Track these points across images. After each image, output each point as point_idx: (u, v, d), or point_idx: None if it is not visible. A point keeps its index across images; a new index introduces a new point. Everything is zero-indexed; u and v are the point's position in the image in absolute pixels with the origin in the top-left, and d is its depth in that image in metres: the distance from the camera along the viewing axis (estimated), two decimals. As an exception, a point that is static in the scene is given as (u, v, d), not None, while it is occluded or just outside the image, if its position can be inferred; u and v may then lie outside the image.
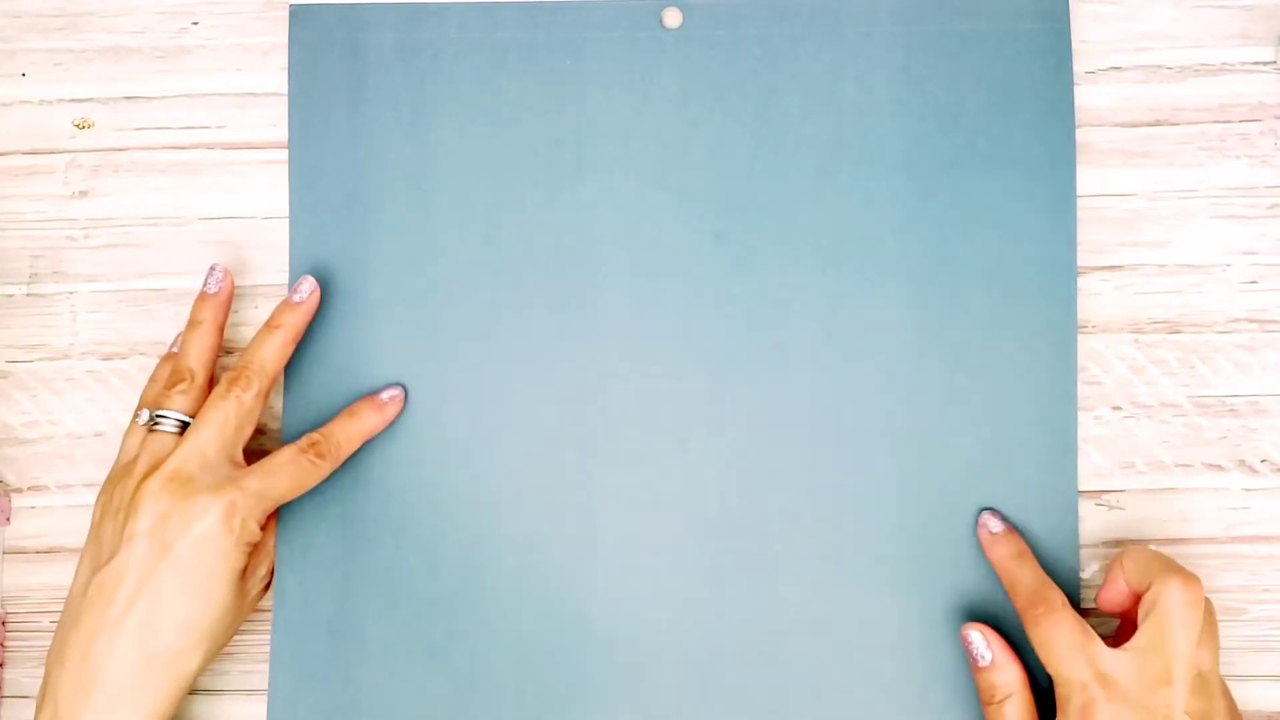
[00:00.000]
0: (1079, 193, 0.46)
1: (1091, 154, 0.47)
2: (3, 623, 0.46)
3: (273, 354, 0.43)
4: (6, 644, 0.46)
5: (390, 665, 0.44)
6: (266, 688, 0.44)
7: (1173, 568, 0.39)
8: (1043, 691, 0.41)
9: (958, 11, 0.46)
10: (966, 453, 0.44)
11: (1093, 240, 0.46)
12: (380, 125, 0.47)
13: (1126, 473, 0.45)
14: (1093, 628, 0.39)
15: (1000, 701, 0.40)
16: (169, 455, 0.41)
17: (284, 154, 0.47)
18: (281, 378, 0.45)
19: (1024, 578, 0.41)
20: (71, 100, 0.48)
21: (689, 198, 0.46)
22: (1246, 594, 0.45)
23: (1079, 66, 0.47)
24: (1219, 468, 0.45)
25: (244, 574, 0.42)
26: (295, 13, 0.47)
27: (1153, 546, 0.45)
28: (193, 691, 0.45)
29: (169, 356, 0.45)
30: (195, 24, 0.49)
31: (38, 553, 0.46)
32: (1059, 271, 0.45)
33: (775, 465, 0.44)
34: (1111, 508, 0.45)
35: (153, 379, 0.45)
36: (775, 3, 0.47)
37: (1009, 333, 0.45)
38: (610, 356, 0.45)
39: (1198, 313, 0.46)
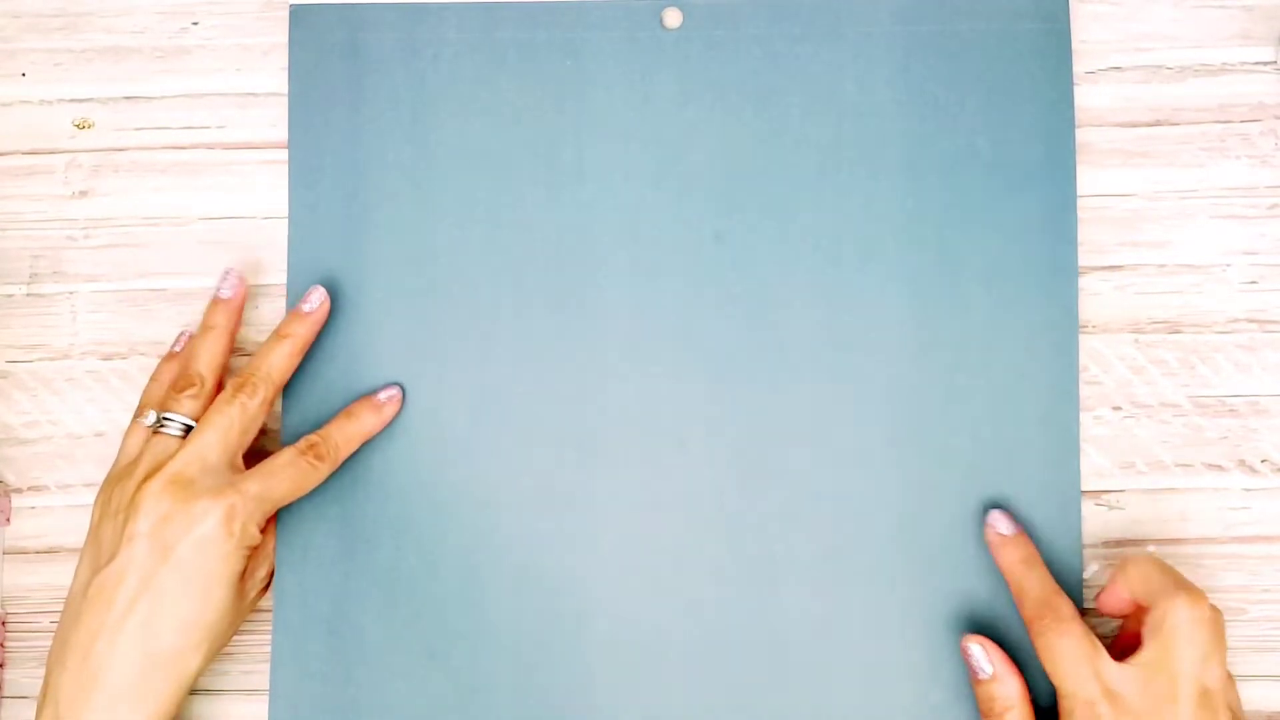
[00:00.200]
0: (1079, 193, 0.46)
1: (1091, 154, 0.47)
2: (3, 623, 0.46)
3: (280, 363, 0.43)
4: (6, 644, 0.46)
5: (390, 665, 0.44)
6: (267, 688, 0.44)
7: (1180, 584, 0.38)
8: (1043, 703, 0.41)
9: (958, 11, 0.46)
10: (967, 453, 0.44)
11: (1093, 240, 0.46)
12: (380, 125, 0.47)
13: (1126, 473, 0.45)
14: (1093, 628, 0.39)
15: (1000, 714, 0.40)
16: (171, 458, 0.41)
17: (284, 154, 0.47)
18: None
19: (1032, 584, 0.40)
20: (71, 100, 0.48)
21: (689, 198, 0.46)
22: (1246, 594, 0.45)
23: (1079, 66, 0.47)
24: (1219, 468, 0.45)
25: (243, 576, 0.42)
26: (295, 13, 0.47)
27: (1152, 548, 0.45)
28: (193, 691, 0.45)
29: (171, 356, 0.45)
30: (195, 24, 0.49)
31: (38, 553, 0.46)
32: (1060, 271, 0.45)
33: (775, 465, 0.44)
34: (1111, 508, 0.45)
35: (154, 379, 0.45)
36: (775, 3, 0.47)
37: (1010, 332, 0.45)
38: (610, 356, 0.45)
39: (1198, 313, 0.46)
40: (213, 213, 0.48)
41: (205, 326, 0.44)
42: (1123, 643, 0.42)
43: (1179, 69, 0.47)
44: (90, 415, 0.47)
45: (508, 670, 0.44)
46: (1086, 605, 0.44)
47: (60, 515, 0.46)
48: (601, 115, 0.46)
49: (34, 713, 0.40)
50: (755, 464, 0.44)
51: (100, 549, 0.41)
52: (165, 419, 0.42)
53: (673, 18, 0.47)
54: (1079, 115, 0.46)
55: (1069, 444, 0.44)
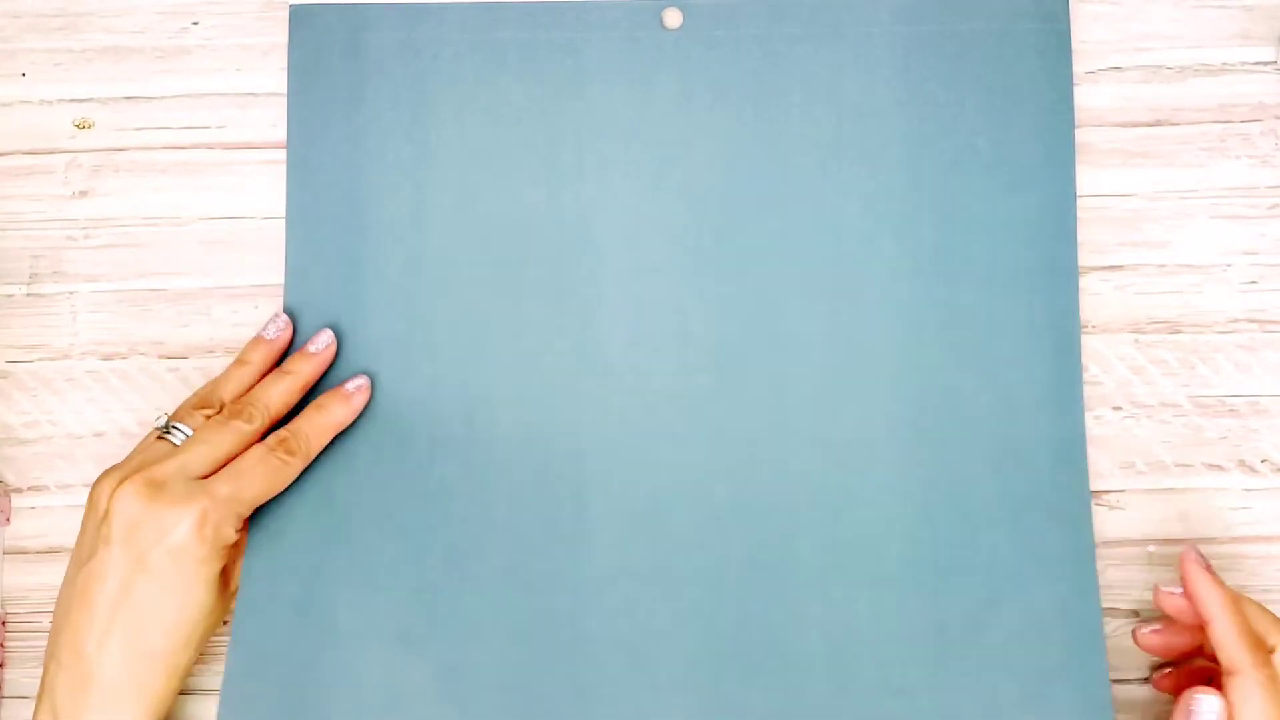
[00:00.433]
0: (1079, 193, 0.45)
1: (1091, 154, 0.47)
2: (3, 623, 0.46)
3: (279, 397, 0.43)
4: (6, 644, 0.46)
5: (361, 650, 0.43)
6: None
7: None
8: None
9: (958, 11, 0.46)
10: (972, 453, 0.44)
11: (1093, 240, 0.46)
12: (380, 125, 0.47)
13: (1126, 473, 0.45)
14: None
15: None
16: (157, 462, 0.41)
17: (284, 154, 0.47)
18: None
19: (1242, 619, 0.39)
20: (71, 100, 0.48)
21: (689, 197, 0.46)
22: (1247, 594, 0.45)
23: (1079, 66, 0.47)
24: (1219, 468, 0.45)
25: (224, 571, 0.42)
26: (295, 13, 0.47)
27: (1151, 548, 0.45)
28: (189, 692, 0.45)
29: (215, 380, 0.45)
30: (195, 24, 0.49)
31: (38, 553, 0.46)
32: (1060, 271, 0.45)
33: (776, 467, 0.44)
34: (1111, 508, 0.45)
35: (193, 395, 0.45)
36: (775, 3, 0.47)
37: (1011, 332, 0.44)
38: (609, 355, 0.45)
39: (1198, 313, 0.46)
40: (213, 213, 0.48)
41: (241, 360, 0.45)
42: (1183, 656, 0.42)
43: (1179, 69, 0.47)
44: (90, 415, 0.47)
45: (488, 662, 0.43)
46: (1105, 606, 0.44)
47: (60, 515, 0.46)
48: (601, 115, 0.46)
49: (33, 709, 0.40)
50: (756, 465, 0.44)
51: (83, 544, 0.41)
52: (173, 426, 0.42)
53: (673, 18, 0.47)
54: (1079, 115, 0.46)
55: (1076, 442, 0.44)
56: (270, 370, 0.45)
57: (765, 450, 0.44)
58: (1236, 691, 0.37)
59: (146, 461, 0.41)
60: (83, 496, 0.46)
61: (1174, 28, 0.47)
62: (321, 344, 0.45)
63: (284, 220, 0.47)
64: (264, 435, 0.43)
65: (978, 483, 0.44)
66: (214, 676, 0.45)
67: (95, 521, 0.40)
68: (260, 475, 0.41)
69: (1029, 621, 0.42)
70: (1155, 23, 0.47)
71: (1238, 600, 0.39)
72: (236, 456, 0.42)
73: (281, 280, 0.47)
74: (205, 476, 0.41)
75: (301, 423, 0.43)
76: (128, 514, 0.39)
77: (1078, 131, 0.46)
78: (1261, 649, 0.38)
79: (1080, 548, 0.43)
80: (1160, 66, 0.47)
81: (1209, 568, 0.39)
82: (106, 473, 0.41)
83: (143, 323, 0.47)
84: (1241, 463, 0.45)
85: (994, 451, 0.44)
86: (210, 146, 0.48)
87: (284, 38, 0.48)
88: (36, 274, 0.48)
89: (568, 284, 0.46)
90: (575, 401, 0.45)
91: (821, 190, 0.46)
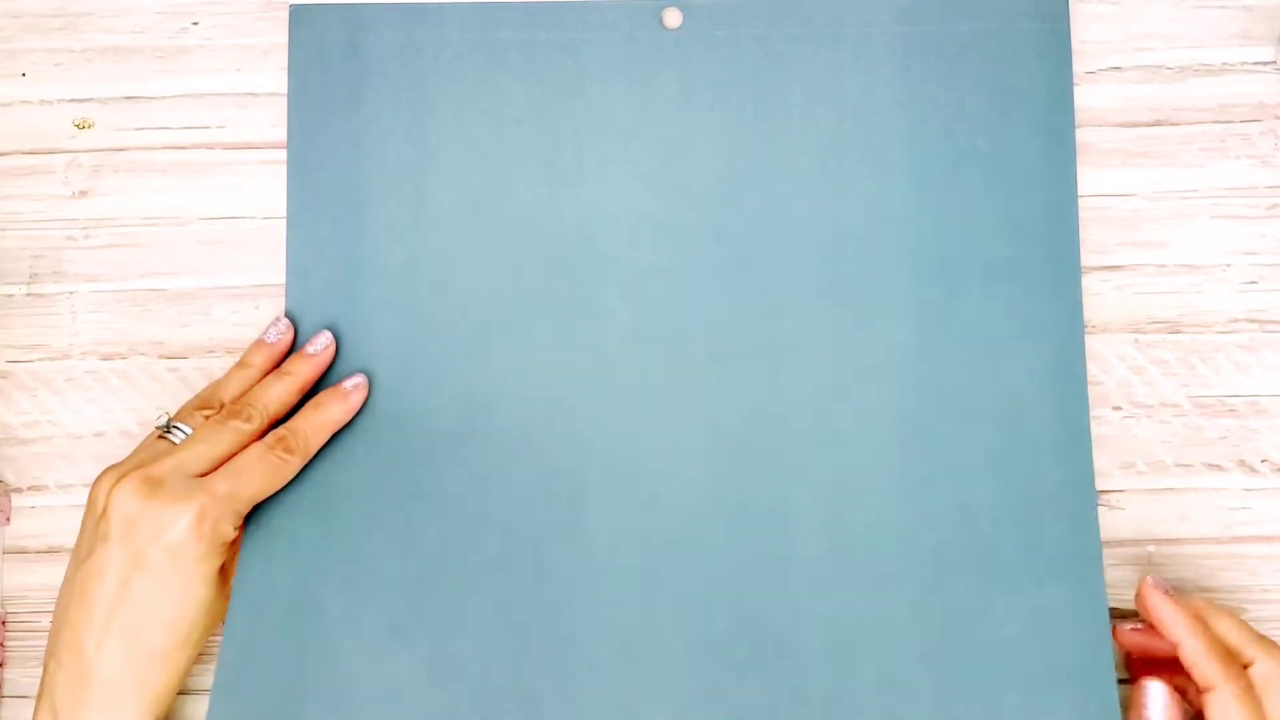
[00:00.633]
0: (1079, 193, 0.45)
1: (1091, 154, 0.47)
2: (3, 623, 0.46)
3: (279, 397, 0.44)
4: (6, 644, 0.46)
5: (352, 644, 0.43)
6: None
7: (1264, 639, 0.39)
8: None
9: (958, 11, 0.46)
10: (974, 451, 0.44)
11: (1093, 240, 0.46)
12: (380, 125, 0.47)
13: (1126, 473, 0.45)
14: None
15: None
16: (155, 460, 0.41)
17: (284, 154, 0.47)
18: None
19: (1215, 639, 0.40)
20: (71, 100, 0.48)
21: (689, 197, 0.46)
22: (1246, 594, 0.45)
23: (1079, 66, 0.47)
24: (1219, 468, 0.45)
25: (223, 569, 0.42)
26: (295, 13, 0.47)
27: (1151, 548, 0.45)
28: (189, 691, 0.45)
29: (216, 381, 0.45)
30: (195, 24, 0.49)
31: (38, 553, 0.46)
32: (1063, 269, 0.45)
33: (777, 468, 0.44)
34: (1111, 508, 0.45)
35: (194, 396, 0.45)
36: (775, 3, 0.47)
37: (1013, 333, 0.44)
38: (607, 352, 0.45)
39: (1198, 313, 0.46)
40: (213, 213, 0.48)
41: (242, 363, 0.45)
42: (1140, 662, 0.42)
43: (1179, 69, 0.47)
44: (90, 415, 0.47)
45: (478, 654, 0.42)
46: (1112, 606, 0.44)
47: (60, 515, 0.46)
48: (601, 115, 0.46)
49: (33, 707, 0.40)
50: (755, 463, 0.44)
51: (82, 542, 0.41)
52: (174, 426, 0.42)
53: (673, 18, 0.47)
54: (1079, 115, 0.46)
55: (1081, 441, 0.43)
56: (271, 371, 0.45)
57: (764, 448, 0.44)
58: (1213, 706, 0.38)
59: (145, 460, 0.41)
60: (83, 496, 0.46)
61: (1174, 28, 0.47)
62: (320, 345, 0.45)
63: (284, 220, 0.47)
64: (262, 435, 0.43)
65: (980, 481, 0.44)
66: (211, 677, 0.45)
67: (94, 519, 0.40)
68: (259, 473, 0.41)
69: (1034, 621, 0.42)
70: (1155, 23, 0.47)
71: (1203, 619, 0.40)
72: (235, 455, 0.42)
73: (282, 280, 0.47)
74: (204, 475, 0.41)
75: (299, 421, 0.43)
76: (125, 511, 0.39)
77: (1078, 131, 0.46)
78: (1234, 662, 0.39)
79: (1087, 547, 0.43)
80: (1160, 66, 0.47)
81: (1168, 592, 0.40)
82: (106, 471, 0.41)
83: (143, 323, 0.47)
84: (1241, 463, 0.45)
85: (997, 450, 0.44)
86: (210, 146, 0.48)
87: (284, 38, 0.48)
88: (36, 274, 0.48)
89: (567, 283, 0.46)
90: (573, 399, 0.45)
91: (821, 190, 0.46)
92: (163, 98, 0.48)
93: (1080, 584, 0.42)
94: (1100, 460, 0.45)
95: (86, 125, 0.48)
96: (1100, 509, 0.45)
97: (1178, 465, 0.45)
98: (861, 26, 0.46)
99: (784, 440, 0.44)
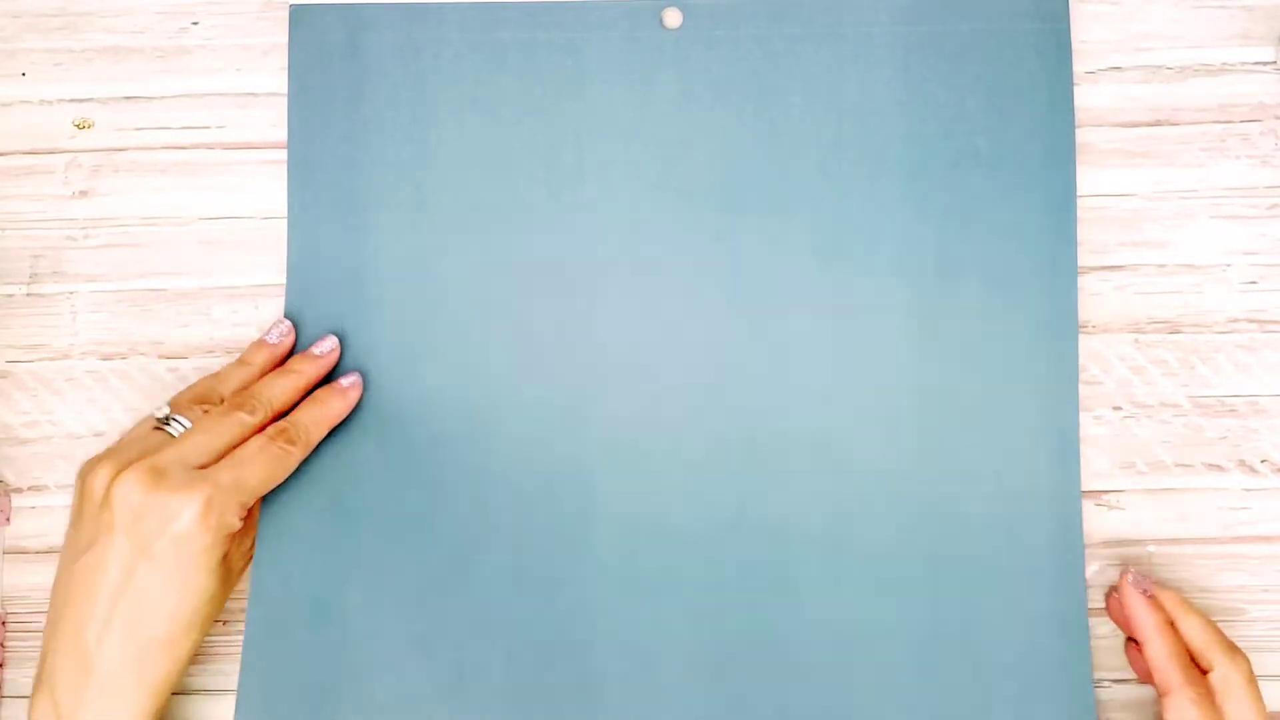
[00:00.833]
0: (1079, 192, 0.45)
1: (1091, 154, 0.46)
2: (3, 623, 0.46)
3: (282, 394, 0.44)
4: (6, 644, 0.46)
5: (373, 652, 0.43)
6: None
7: (1228, 645, 0.40)
8: None
9: (958, 12, 0.46)
10: (968, 452, 0.44)
11: (1093, 240, 0.46)
12: (380, 125, 0.47)
13: (1126, 473, 0.45)
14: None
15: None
16: (156, 451, 0.41)
17: (284, 154, 0.47)
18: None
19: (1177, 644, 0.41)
20: (71, 100, 0.48)
21: (689, 198, 0.46)
22: (1246, 594, 0.45)
23: (1079, 66, 0.47)
24: (1219, 468, 0.45)
25: (226, 557, 0.42)
26: (295, 13, 0.47)
27: (1151, 548, 0.45)
28: (189, 692, 0.45)
29: (214, 375, 0.45)
30: (195, 24, 0.49)
31: (38, 553, 0.46)
32: (1060, 271, 0.45)
33: (777, 467, 0.44)
34: (1111, 508, 0.45)
35: (188, 389, 0.45)
36: (775, 3, 0.47)
37: (1009, 332, 0.44)
38: (609, 355, 0.45)
39: (1198, 313, 0.46)
40: (213, 213, 0.48)
41: (242, 360, 0.45)
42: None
43: (1179, 69, 0.47)
44: (90, 415, 0.47)
45: (497, 666, 0.43)
46: (1092, 605, 0.44)
47: (60, 515, 0.46)
48: (602, 115, 0.46)
49: (31, 691, 0.40)
50: (756, 466, 0.44)
51: (80, 532, 0.41)
52: (173, 418, 0.42)
53: (673, 18, 0.47)
54: (1079, 115, 0.46)
55: (1069, 444, 0.44)
56: (270, 371, 0.45)
57: (765, 451, 0.44)
58: (1169, 710, 0.39)
59: (146, 450, 0.41)
60: (83, 496, 0.46)
61: (1174, 28, 0.47)
62: (326, 348, 0.45)
63: (284, 220, 0.47)
64: (263, 430, 0.43)
65: (974, 483, 0.44)
66: (214, 676, 0.45)
67: (93, 509, 0.40)
68: (262, 464, 0.41)
69: (1019, 622, 0.43)
70: (1155, 23, 0.47)
71: (1169, 623, 0.41)
72: (236, 448, 0.42)
73: (282, 280, 0.47)
74: (205, 467, 0.41)
75: (300, 415, 0.43)
76: (131, 502, 0.39)
77: (1078, 131, 0.46)
78: (1192, 668, 0.40)
79: (1069, 548, 0.43)
80: (1160, 66, 0.47)
81: (1145, 591, 0.41)
82: (99, 459, 0.41)
83: (143, 323, 0.47)
84: (1241, 463, 0.45)
85: (990, 451, 0.44)
86: (210, 146, 0.48)
87: (284, 38, 0.48)
88: (36, 274, 0.48)
89: (568, 284, 0.46)
90: (576, 403, 0.45)
91: (822, 190, 0.46)
92: (163, 98, 0.48)
93: (1061, 584, 0.43)
94: (1100, 460, 0.45)
95: (86, 125, 0.48)
96: (1100, 509, 0.45)
97: (1178, 465, 0.45)
98: (861, 26, 0.46)
99: (783, 443, 0.44)
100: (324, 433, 0.44)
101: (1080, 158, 0.46)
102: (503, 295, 0.46)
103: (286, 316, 0.46)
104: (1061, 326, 0.44)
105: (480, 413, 0.45)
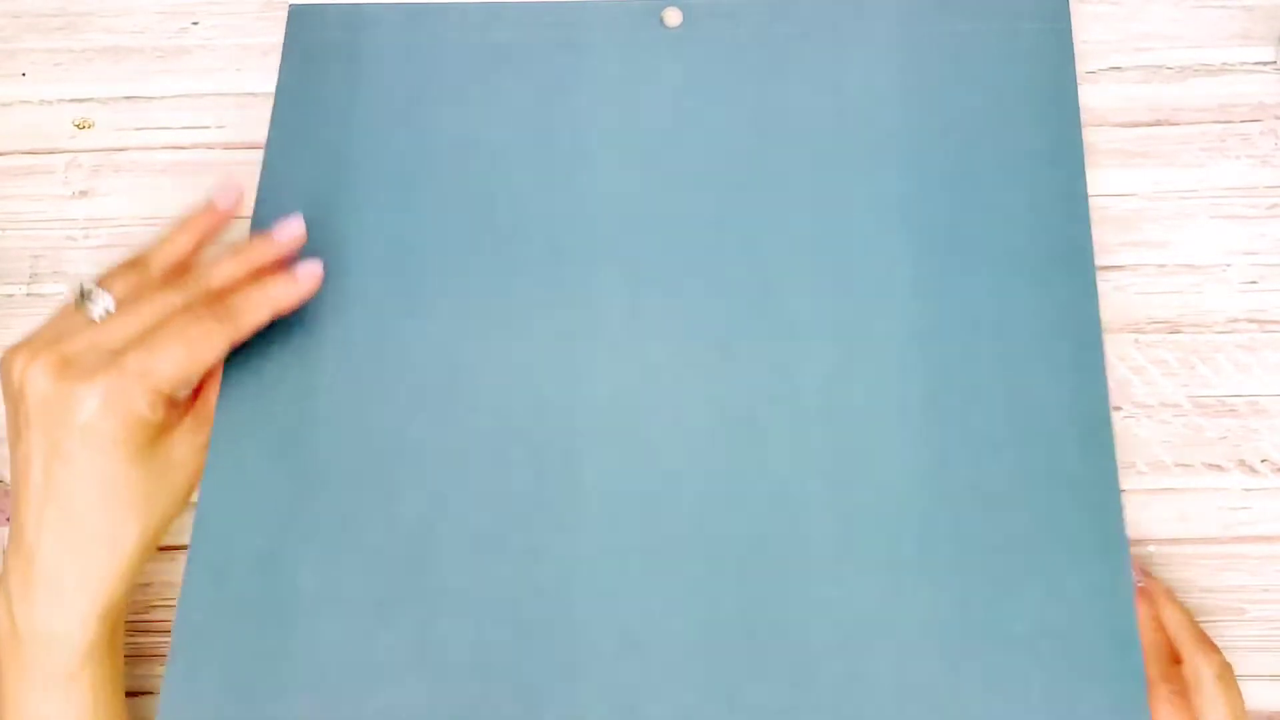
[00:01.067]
0: (1079, 193, 0.46)
1: (1091, 154, 0.47)
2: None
3: (222, 276, 0.40)
4: (7, 644, 0.46)
5: (329, 615, 0.40)
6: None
7: (1202, 640, 0.40)
8: None
9: (958, 12, 0.46)
10: (988, 438, 0.43)
11: (1093, 240, 0.46)
12: (379, 124, 0.46)
13: (1126, 473, 0.45)
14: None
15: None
16: (70, 336, 0.38)
17: (284, 154, 0.47)
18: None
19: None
20: (71, 100, 0.48)
21: (690, 197, 0.46)
22: (1246, 594, 0.45)
23: (1079, 66, 0.47)
24: (1219, 468, 0.45)
25: (162, 442, 0.39)
26: (294, 12, 0.47)
27: (1151, 548, 0.45)
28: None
29: (152, 245, 0.42)
30: (195, 24, 0.49)
31: (38, 553, 0.46)
32: (1077, 258, 0.44)
33: (782, 461, 0.44)
34: (1111, 508, 0.45)
35: (119, 262, 0.42)
36: (775, 2, 0.47)
37: (1028, 321, 0.44)
38: (606, 331, 0.44)
39: (1198, 313, 0.46)
40: (213, 213, 0.48)
41: (181, 226, 0.42)
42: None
43: (1179, 69, 0.47)
44: (90, 415, 0.47)
45: (465, 638, 0.40)
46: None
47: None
48: (601, 114, 0.46)
49: None
50: (761, 445, 0.43)
51: (10, 427, 0.39)
52: (95, 298, 0.39)
53: (673, 17, 0.47)
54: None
55: (1101, 432, 0.42)
56: (209, 240, 0.42)
57: (771, 430, 0.43)
58: None
59: (61, 335, 0.38)
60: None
61: (1174, 28, 0.47)
62: (288, 234, 0.41)
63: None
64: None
65: (997, 467, 0.42)
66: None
67: (12, 402, 0.38)
68: (179, 346, 0.38)
69: (1057, 612, 0.41)
70: (1155, 23, 0.47)
71: (1155, 619, 0.41)
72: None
73: (281, 280, 0.46)
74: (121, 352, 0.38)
75: (236, 294, 0.39)
76: (39, 393, 0.37)
77: (1078, 131, 0.46)
78: (1172, 666, 0.40)
79: (1111, 535, 0.41)
80: (1160, 66, 0.47)
81: (1136, 582, 0.42)
82: (16, 348, 0.38)
83: (143, 323, 0.47)
84: (1241, 463, 0.45)
85: (1012, 437, 0.42)
86: (210, 146, 0.48)
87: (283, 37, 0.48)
88: (36, 274, 0.48)
89: (565, 276, 0.45)
90: (569, 372, 0.43)
91: (822, 188, 0.46)
92: (163, 98, 0.48)
93: (1104, 574, 0.41)
94: (1100, 460, 0.45)
95: (86, 125, 0.48)
96: (1100, 509, 0.45)
97: (1178, 465, 0.45)
98: (862, 26, 0.46)
99: (790, 427, 0.43)
100: (261, 319, 0.40)
101: (1080, 158, 0.46)
102: (498, 285, 0.45)
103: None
104: (1083, 313, 0.44)
105: (462, 375, 0.43)
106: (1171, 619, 0.41)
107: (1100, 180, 0.46)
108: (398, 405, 0.43)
